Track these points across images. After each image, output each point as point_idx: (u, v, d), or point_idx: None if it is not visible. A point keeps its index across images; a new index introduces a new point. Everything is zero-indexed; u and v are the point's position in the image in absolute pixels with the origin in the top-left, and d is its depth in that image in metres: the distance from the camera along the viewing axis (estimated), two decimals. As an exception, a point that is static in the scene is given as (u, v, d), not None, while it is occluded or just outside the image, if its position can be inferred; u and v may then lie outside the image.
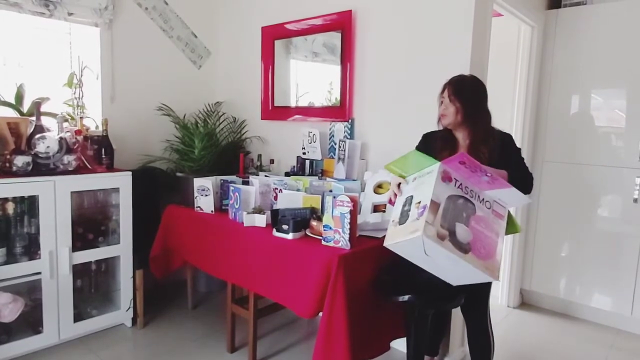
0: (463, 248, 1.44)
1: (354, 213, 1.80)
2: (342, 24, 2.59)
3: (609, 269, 2.80)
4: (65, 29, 2.72)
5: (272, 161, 2.97)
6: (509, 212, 1.60)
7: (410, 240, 1.43)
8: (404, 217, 1.53)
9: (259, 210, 2.20)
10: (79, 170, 2.35)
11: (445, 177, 1.52)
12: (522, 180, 1.73)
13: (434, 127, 1.92)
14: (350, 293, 1.72)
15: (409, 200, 1.56)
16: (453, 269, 1.49)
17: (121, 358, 2.32)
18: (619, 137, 2.76)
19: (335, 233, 1.84)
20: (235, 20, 3.32)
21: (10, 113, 2.44)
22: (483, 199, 1.54)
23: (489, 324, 1.89)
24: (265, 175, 2.61)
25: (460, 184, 1.54)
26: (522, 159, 1.82)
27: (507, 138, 1.82)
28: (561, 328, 2.83)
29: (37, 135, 2.19)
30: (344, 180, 2.41)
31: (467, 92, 1.77)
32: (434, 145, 1.85)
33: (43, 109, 2.36)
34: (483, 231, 1.49)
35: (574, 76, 2.89)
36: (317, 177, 2.50)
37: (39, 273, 2.22)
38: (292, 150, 2.89)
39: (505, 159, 1.74)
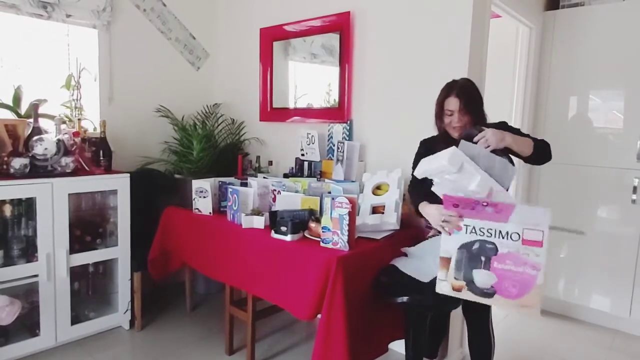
0: (485, 293, 1.46)
1: (352, 215, 1.79)
2: (341, 26, 2.58)
3: (607, 271, 2.79)
4: (63, 30, 2.72)
5: (270, 163, 2.96)
6: None
7: None
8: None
9: (257, 212, 2.20)
10: (77, 172, 2.34)
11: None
12: (543, 145, 1.75)
13: (433, 126, 1.91)
14: (348, 295, 1.71)
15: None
16: None
17: (119, 361, 2.31)
18: (617, 138, 2.76)
19: (333, 235, 1.83)
20: (234, 21, 3.32)
21: (8, 115, 2.44)
22: (507, 232, 1.45)
23: (490, 325, 1.89)
24: (264, 177, 2.61)
25: (473, 228, 1.49)
26: (527, 134, 1.80)
27: (501, 125, 1.78)
28: (560, 329, 2.83)
29: (35, 137, 2.19)
30: (342, 181, 2.41)
31: (476, 102, 1.78)
32: (438, 150, 1.83)
33: (41, 110, 2.35)
34: (510, 269, 1.44)
35: (572, 77, 2.89)
36: (315, 179, 2.50)
37: (36, 275, 2.21)
38: (291, 151, 2.89)
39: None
